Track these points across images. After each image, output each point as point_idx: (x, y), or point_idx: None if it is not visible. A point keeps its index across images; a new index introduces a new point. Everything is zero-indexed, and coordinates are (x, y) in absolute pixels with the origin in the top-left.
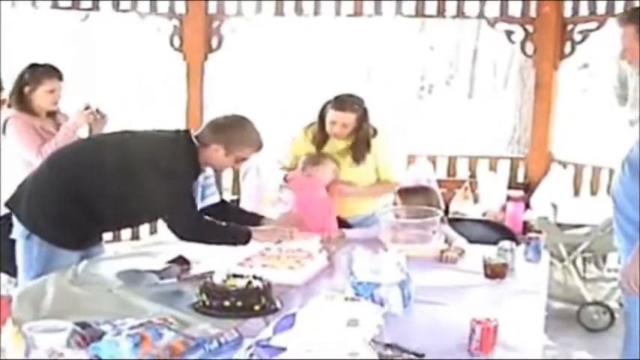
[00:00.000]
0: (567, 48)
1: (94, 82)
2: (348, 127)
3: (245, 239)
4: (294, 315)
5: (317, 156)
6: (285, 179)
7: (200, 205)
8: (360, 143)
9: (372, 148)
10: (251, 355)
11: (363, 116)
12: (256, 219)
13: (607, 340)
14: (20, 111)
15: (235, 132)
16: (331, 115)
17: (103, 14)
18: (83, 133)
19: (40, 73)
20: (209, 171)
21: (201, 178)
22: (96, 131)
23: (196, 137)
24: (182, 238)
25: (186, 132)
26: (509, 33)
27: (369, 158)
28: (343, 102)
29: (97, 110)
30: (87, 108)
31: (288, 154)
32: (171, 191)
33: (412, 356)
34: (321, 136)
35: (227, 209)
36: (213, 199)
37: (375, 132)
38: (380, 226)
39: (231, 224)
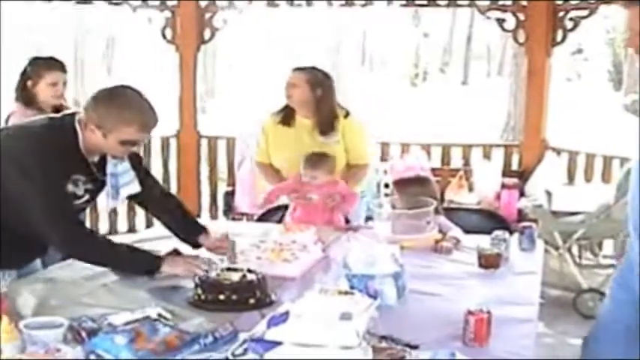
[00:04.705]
0: (559, 35)
1: (86, 75)
2: (297, 87)
3: (149, 269)
4: (287, 310)
5: (314, 156)
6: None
7: (118, 199)
8: (324, 117)
9: (342, 128)
10: (245, 349)
11: (315, 83)
12: (194, 229)
13: None
14: (25, 106)
15: (106, 108)
16: (285, 79)
17: (96, 6)
18: None
19: (40, 66)
20: None
21: (109, 167)
22: None
23: (79, 120)
24: (63, 253)
25: (72, 115)
26: (500, 21)
27: (339, 138)
28: (297, 66)
29: None
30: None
31: (259, 143)
32: (32, 194)
33: (406, 348)
34: (285, 112)
35: (167, 208)
36: (131, 189)
37: (348, 114)
38: (374, 218)
39: (137, 247)
